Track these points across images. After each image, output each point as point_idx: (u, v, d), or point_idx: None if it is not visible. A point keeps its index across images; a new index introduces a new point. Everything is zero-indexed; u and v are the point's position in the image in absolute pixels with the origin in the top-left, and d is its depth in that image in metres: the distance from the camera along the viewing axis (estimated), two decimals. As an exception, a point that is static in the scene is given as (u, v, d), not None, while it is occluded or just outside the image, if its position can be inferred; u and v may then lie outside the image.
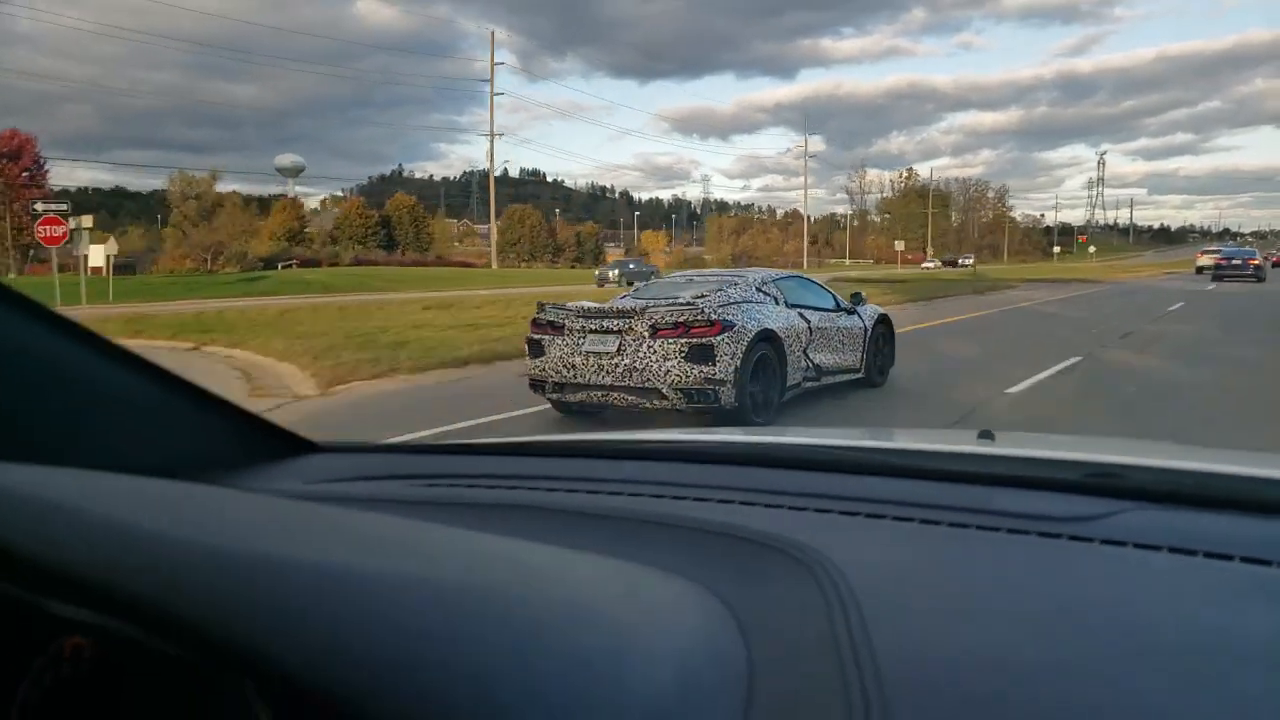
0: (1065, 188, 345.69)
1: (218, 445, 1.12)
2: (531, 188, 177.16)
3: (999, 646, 0.65)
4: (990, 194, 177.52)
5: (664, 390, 6.54)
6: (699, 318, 6.56)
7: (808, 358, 7.57)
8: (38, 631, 0.55)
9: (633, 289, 8.53)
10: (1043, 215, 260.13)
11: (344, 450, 1.33)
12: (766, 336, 6.92)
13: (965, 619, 0.71)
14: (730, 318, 6.70)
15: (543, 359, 7.01)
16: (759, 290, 7.57)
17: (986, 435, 1.40)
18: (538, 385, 7.16)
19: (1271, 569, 0.78)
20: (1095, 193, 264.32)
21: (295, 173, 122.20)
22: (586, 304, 7.36)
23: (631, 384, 6.63)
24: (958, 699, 0.58)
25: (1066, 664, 0.62)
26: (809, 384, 7.62)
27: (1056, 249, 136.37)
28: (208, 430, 1.11)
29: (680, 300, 7.09)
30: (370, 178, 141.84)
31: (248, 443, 1.17)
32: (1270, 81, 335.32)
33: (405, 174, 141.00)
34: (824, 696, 0.57)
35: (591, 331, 6.80)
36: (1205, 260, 44.58)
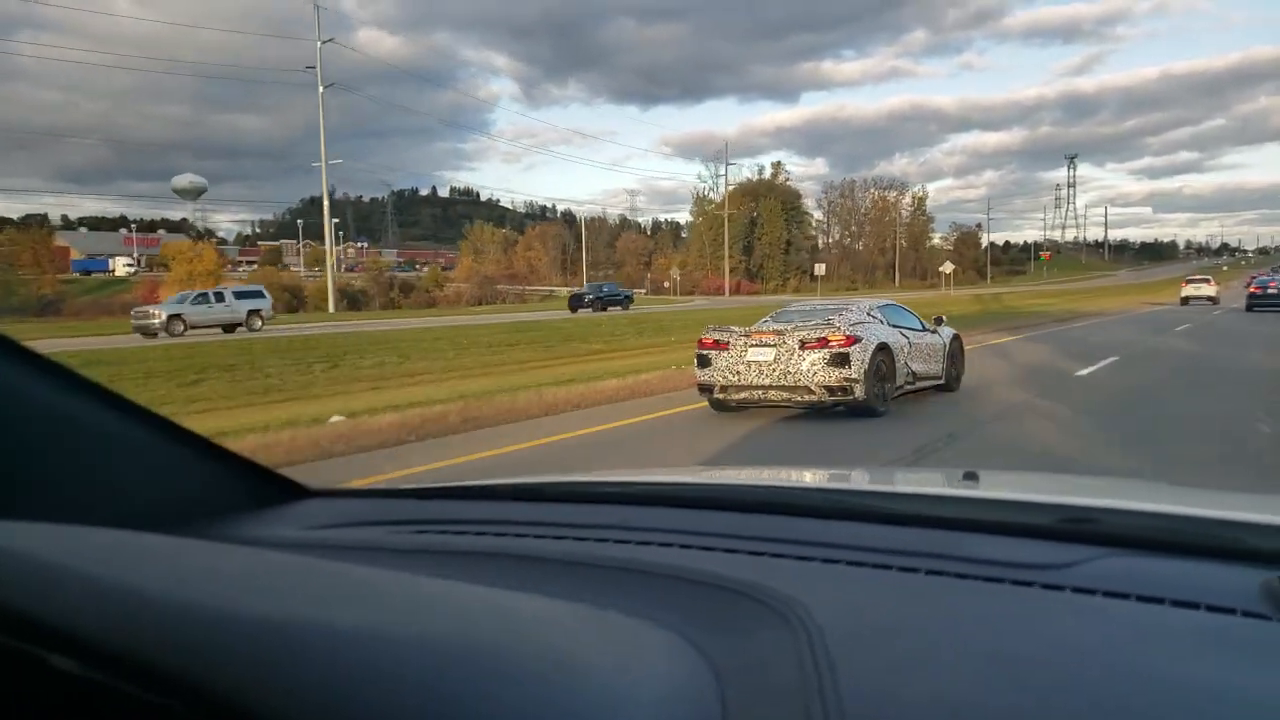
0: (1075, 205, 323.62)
1: (214, 492, 1.13)
2: (463, 207, 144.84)
3: (966, 693, 0.67)
4: (900, 199, 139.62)
5: (811, 387, 8.82)
6: (836, 333, 8.91)
7: (908, 366, 9.80)
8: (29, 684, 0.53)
9: (770, 316, 10.45)
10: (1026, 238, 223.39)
11: (337, 495, 1.37)
12: (883, 348, 9.20)
13: (936, 666, 0.72)
14: (858, 333, 9.05)
15: (710, 368, 9.28)
16: (868, 314, 9.88)
17: (971, 476, 1.48)
18: (706, 389, 9.44)
19: (1235, 617, 0.79)
20: (1065, 205, 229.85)
21: (195, 194, 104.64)
22: (740, 327, 9.60)
23: (785, 384, 8.92)
24: None
25: (1028, 711, 0.64)
26: (909, 387, 9.88)
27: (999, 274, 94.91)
28: (204, 477, 1.12)
29: (816, 322, 9.40)
30: (301, 200, 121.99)
31: (243, 489, 1.19)
32: (1275, 98, 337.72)
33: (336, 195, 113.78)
34: None
35: (753, 346, 9.10)
36: (1192, 290, 40.26)
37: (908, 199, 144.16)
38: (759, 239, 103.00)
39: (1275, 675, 0.71)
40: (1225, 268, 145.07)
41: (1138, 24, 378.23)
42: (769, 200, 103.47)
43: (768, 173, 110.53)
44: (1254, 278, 39.33)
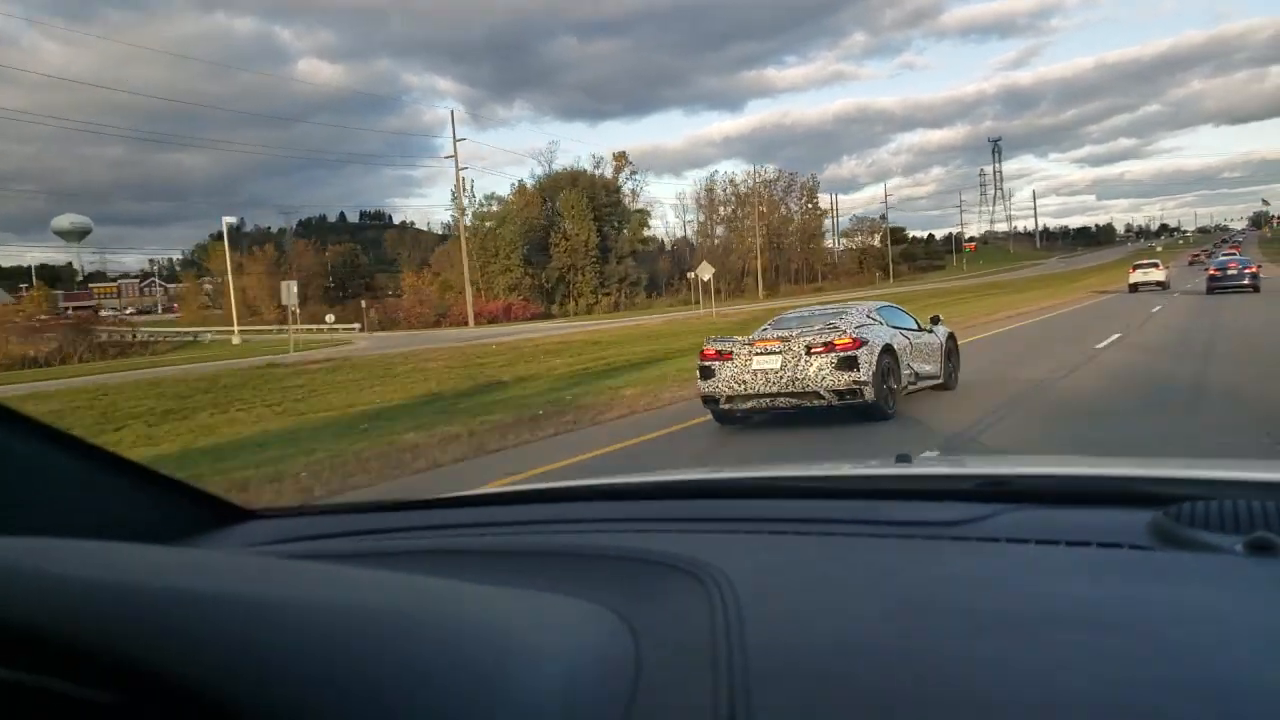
0: (1018, 198, 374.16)
1: (153, 517, 1.13)
2: (373, 232, 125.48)
3: (868, 634, 0.72)
4: (778, 192, 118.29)
5: (821, 392, 8.68)
6: (842, 337, 8.77)
7: (910, 367, 9.68)
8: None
9: (769, 322, 10.33)
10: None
11: (278, 515, 1.39)
12: (888, 350, 9.10)
13: (841, 614, 0.77)
14: (864, 335, 8.94)
15: (714, 379, 9.05)
16: (868, 317, 9.76)
17: (904, 458, 1.51)
18: (710, 400, 9.20)
19: (1122, 550, 0.88)
20: (994, 193, 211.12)
21: (79, 236, 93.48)
22: (742, 337, 9.49)
23: (793, 390, 8.76)
24: (815, 679, 0.64)
25: (926, 641, 0.69)
26: (911, 387, 9.72)
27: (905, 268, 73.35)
28: (142, 502, 1.12)
29: (818, 327, 9.26)
30: (210, 235, 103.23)
31: (183, 513, 1.19)
32: (1207, 82, 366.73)
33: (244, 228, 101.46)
34: (698, 686, 0.63)
35: (758, 354, 8.92)
36: (1140, 275, 38.85)
37: (796, 191, 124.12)
38: (556, 245, 79.32)
39: (1154, 592, 0.77)
40: (1160, 248, 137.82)
41: (1071, 15, 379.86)
42: (571, 194, 79.86)
43: (606, 168, 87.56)
44: (1195, 256, 43.27)
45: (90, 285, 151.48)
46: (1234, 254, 43.12)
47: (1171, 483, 1.10)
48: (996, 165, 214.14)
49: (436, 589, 0.73)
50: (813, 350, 8.75)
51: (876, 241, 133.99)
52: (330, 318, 59.37)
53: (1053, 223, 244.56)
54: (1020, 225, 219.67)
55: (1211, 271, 32.97)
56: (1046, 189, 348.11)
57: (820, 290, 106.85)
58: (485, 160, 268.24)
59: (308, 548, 1.18)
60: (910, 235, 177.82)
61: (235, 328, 57.35)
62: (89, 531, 0.93)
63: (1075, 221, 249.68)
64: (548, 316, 69.85)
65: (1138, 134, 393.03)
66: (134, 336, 56.44)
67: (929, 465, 1.54)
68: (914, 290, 59.69)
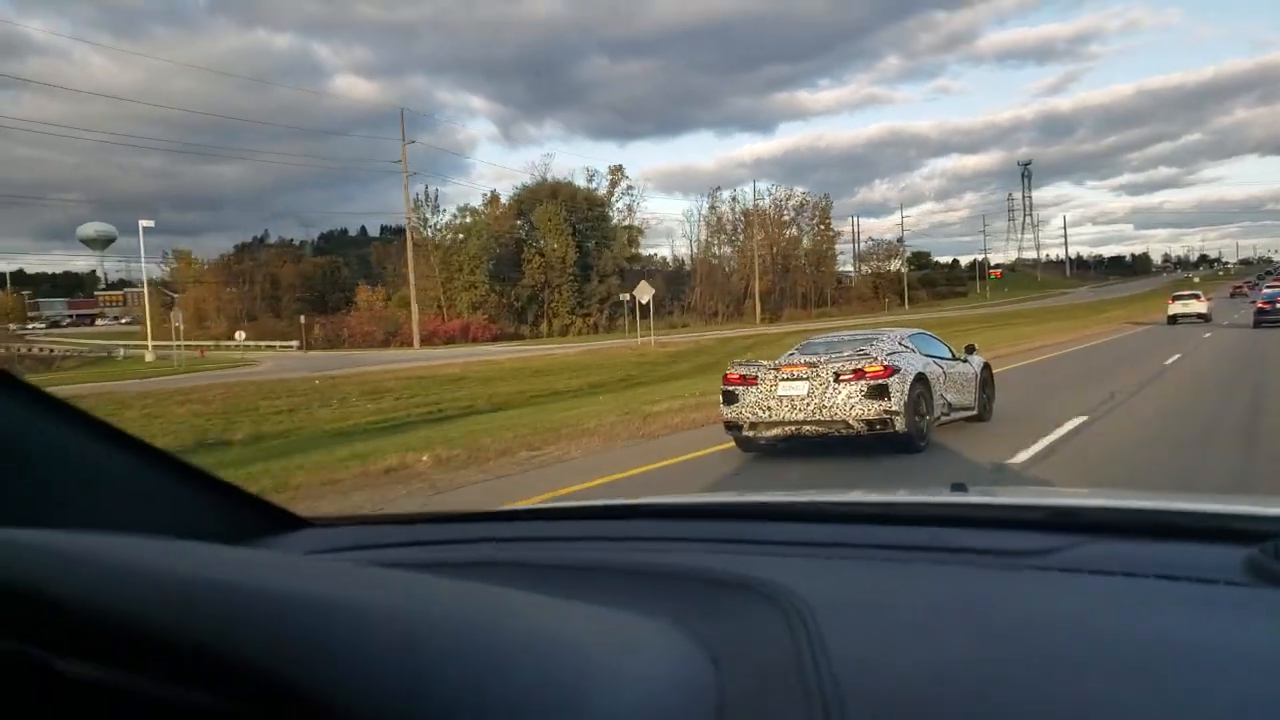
0: (1053, 226, 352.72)
1: (212, 522, 1.12)
2: (396, 248, 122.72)
3: (955, 660, 0.70)
4: (789, 212, 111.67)
5: (850, 421, 8.19)
6: (873, 364, 8.28)
7: (944, 397, 9.17)
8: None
9: (796, 347, 10.03)
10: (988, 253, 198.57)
11: (335, 523, 1.37)
12: (920, 378, 8.61)
13: (924, 638, 0.75)
14: (896, 363, 8.46)
15: (737, 405, 8.61)
16: (900, 344, 9.34)
17: (959, 488, 1.47)
18: (733, 427, 8.75)
19: (1217, 586, 0.84)
20: (1022, 218, 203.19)
21: (104, 244, 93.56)
22: (769, 361, 9.05)
23: (821, 419, 8.28)
24: (906, 709, 0.63)
25: (1018, 673, 0.68)
26: (944, 418, 9.20)
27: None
28: (201, 508, 1.11)
29: (848, 353, 8.83)
30: (235, 245, 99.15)
31: (241, 519, 1.19)
32: (1251, 111, 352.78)
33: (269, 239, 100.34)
34: (787, 708, 0.62)
35: (784, 380, 8.44)
36: (1180, 307, 37.51)
37: (808, 211, 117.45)
38: (529, 262, 73.16)
39: (1261, 630, 0.74)
40: (1197, 279, 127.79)
41: (1110, 42, 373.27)
42: (549, 207, 73.76)
43: (602, 182, 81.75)
44: (1237, 287, 46.71)
45: (96, 293, 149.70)
46: (1279, 287, 41.05)
47: (1259, 519, 1.04)
48: (1026, 190, 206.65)
49: (517, 601, 0.72)
50: (841, 377, 8.31)
51: (895, 266, 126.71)
52: (240, 335, 53.74)
53: (1088, 251, 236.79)
54: (1053, 253, 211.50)
55: (1260, 305, 31.20)
56: (1083, 217, 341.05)
57: (826, 316, 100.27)
58: (515, 179, 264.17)
59: (366, 556, 1.16)
60: (935, 261, 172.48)
61: (149, 343, 52.44)
62: (149, 532, 0.90)
63: (1111, 251, 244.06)
64: (515, 338, 63.79)
65: (1179, 163, 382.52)
66: (52, 351, 52.72)
67: (988, 494, 1.50)
68: (921, 319, 53.51)
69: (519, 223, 74.93)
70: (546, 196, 74.89)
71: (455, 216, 71.36)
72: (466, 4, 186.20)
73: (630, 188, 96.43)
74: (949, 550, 1.02)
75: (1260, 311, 30.60)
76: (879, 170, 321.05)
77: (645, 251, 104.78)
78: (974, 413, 10.10)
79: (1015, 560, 0.96)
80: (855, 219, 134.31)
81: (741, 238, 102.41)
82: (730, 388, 8.76)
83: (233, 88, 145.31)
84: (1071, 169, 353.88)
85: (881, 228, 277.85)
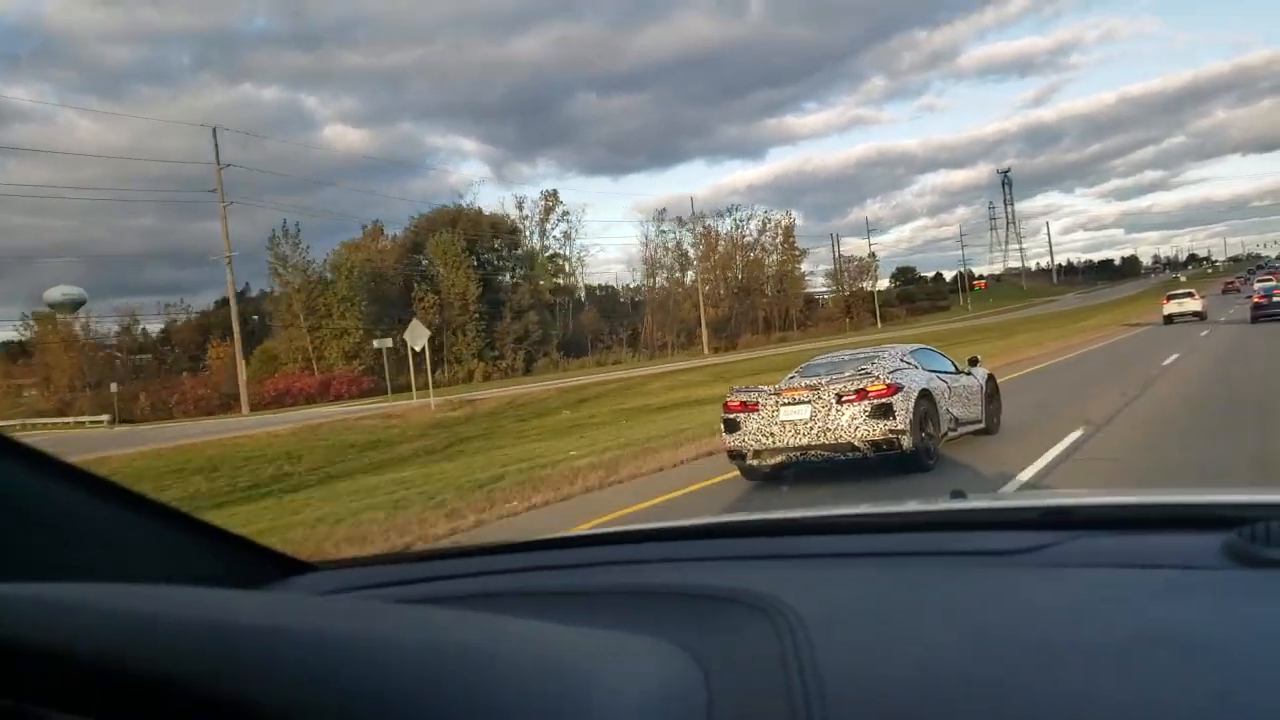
0: (1043, 235, 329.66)
1: (214, 571, 1.12)
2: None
3: (946, 659, 0.71)
4: (751, 233, 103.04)
5: (856, 443, 7.95)
6: (876, 383, 8.03)
7: (950, 412, 8.91)
8: None
9: (797, 369, 9.79)
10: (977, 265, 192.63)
11: (340, 566, 1.40)
12: (925, 395, 8.37)
13: (915, 640, 0.76)
14: (899, 380, 8.21)
15: (739, 432, 8.38)
16: (902, 360, 9.08)
17: (959, 495, 1.49)
18: (736, 455, 8.56)
19: (1198, 571, 0.87)
20: (1007, 227, 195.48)
21: (72, 307, 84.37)
22: (769, 386, 8.81)
23: (825, 442, 8.03)
24: (894, 708, 0.64)
25: (1006, 667, 0.69)
26: (951, 433, 8.93)
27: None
28: (201, 556, 1.11)
29: (849, 373, 8.54)
30: (214, 302, 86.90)
31: (244, 568, 1.18)
32: (1230, 112, 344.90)
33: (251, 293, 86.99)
34: (774, 714, 0.63)
35: (785, 405, 8.20)
36: (1175, 307, 36.86)
37: (769, 231, 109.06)
38: (420, 301, 63.47)
39: (1240, 611, 0.76)
40: (1183, 278, 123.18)
41: (1089, 51, 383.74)
42: (444, 237, 64.32)
43: (515, 202, 72.05)
44: (1229, 284, 46.39)
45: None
46: (1272, 280, 41.73)
47: (1239, 507, 1.07)
48: (1008, 198, 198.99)
49: (512, 628, 0.73)
50: (844, 399, 8.09)
51: (871, 285, 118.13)
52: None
53: (1081, 258, 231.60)
54: (1044, 262, 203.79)
55: (1257, 299, 31.30)
56: (1074, 224, 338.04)
57: (787, 340, 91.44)
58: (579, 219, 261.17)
59: (371, 596, 1.17)
60: (920, 275, 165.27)
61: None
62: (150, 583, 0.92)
63: (1105, 255, 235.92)
64: (401, 390, 54.43)
65: (1164, 166, 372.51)
66: None
67: (985, 499, 1.53)
68: (874, 338, 45.51)
69: (419, 257, 65.72)
70: (446, 225, 65.90)
71: (328, 256, 61.68)
72: (453, 48, 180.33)
73: (566, 213, 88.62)
74: (939, 554, 1.05)
75: (1257, 307, 30.24)
76: (869, 190, 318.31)
77: (595, 281, 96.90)
78: (981, 426, 9.88)
79: (1005, 559, 0.97)
80: (835, 236, 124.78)
81: (696, 262, 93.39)
82: (731, 415, 8.55)
83: (221, 143, 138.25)
84: (1059, 178, 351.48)
85: (878, 246, 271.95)
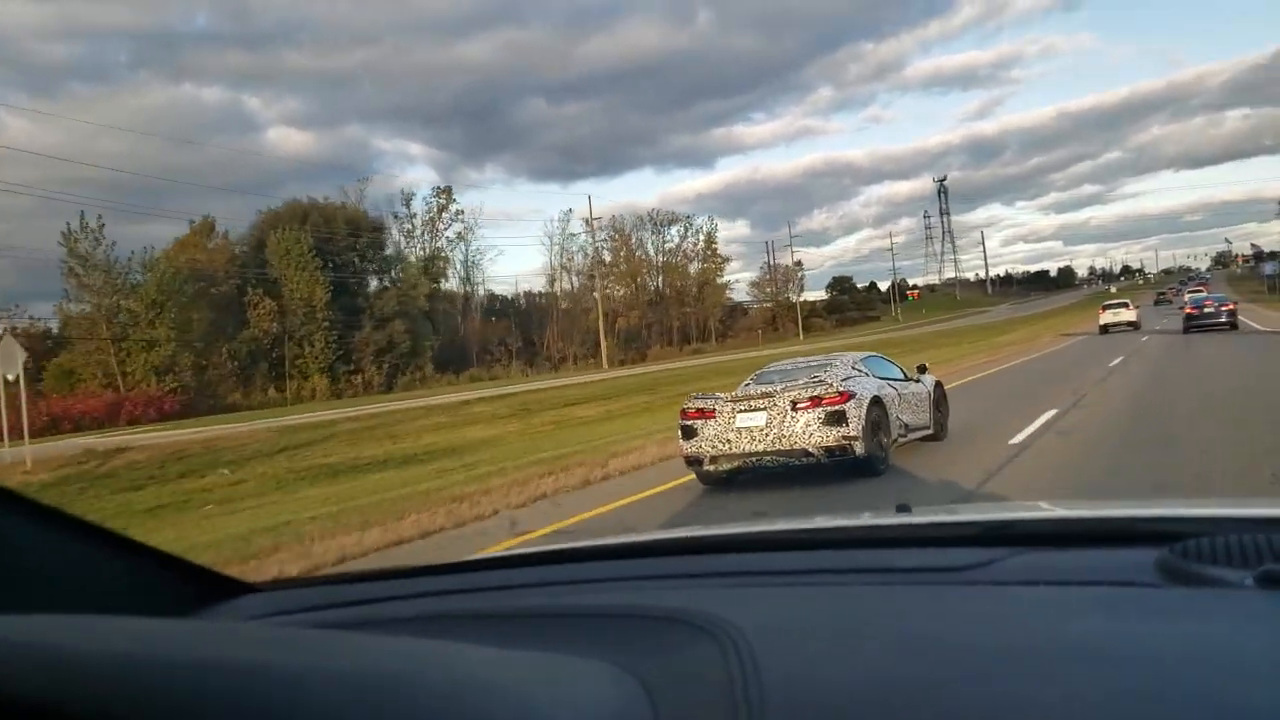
0: (987, 246, 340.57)
1: (147, 592, 1.09)
2: None
3: (882, 678, 0.73)
4: (672, 238, 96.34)
5: (810, 449, 8.08)
6: (829, 391, 8.20)
7: (900, 418, 9.06)
8: None
9: (751, 377, 9.86)
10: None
11: (278, 587, 1.38)
12: (876, 401, 8.51)
13: (857, 655, 0.78)
14: (851, 388, 8.34)
15: (697, 439, 8.45)
16: (853, 368, 9.23)
17: (904, 509, 1.51)
18: (693, 461, 8.60)
19: (1132, 589, 0.89)
20: (942, 238, 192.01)
21: None
22: (725, 394, 8.80)
23: (780, 448, 8.15)
24: (831, 715, 0.66)
25: (942, 682, 0.71)
26: (901, 439, 9.12)
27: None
28: (133, 578, 1.08)
29: (803, 380, 8.73)
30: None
31: (179, 588, 1.16)
32: (1165, 128, 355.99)
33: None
34: None
35: (741, 411, 8.30)
36: (1111, 316, 37.57)
37: (690, 238, 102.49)
38: (254, 306, 55.09)
39: (1167, 628, 0.78)
40: (1113, 289, 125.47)
41: (1030, 66, 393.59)
42: (286, 236, 56.07)
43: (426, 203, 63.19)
44: (1161, 294, 49.96)
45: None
46: (1203, 291, 43.03)
47: (1175, 521, 1.10)
48: (943, 208, 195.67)
49: (446, 653, 0.73)
50: (798, 406, 8.20)
51: (796, 295, 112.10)
52: None
53: (1021, 269, 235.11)
54: (984, 272, 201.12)
55: (1188, 310, 32.34)
56: (1014, 236, 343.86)
57: (701, 353, 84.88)
58: (458, 224, 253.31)
59: (308, 619, 1.16)
60: (853, 285, 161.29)
61: None
62: (83, 609, 0.88)
63: (1044, 267, 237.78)
64: (224, 410, 46.09)
65: (1101, 180, 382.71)
66: None
67: (930, 514, 1.56)
68: (795, 350, 39.52)
69: (264, 257, 57.24)
70: (293, 221, 57.45)
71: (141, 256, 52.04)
72: (398, 51, 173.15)
73: (460, 212, 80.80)
74: (883, 571, 1.06)
75: (1189, 318, 30.96)
76: (816, 200, 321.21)
77: (500, 290, 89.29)
78: (930, 432, 10.06)
79: (948, 576, 0.99)
80: (769, 244, 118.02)
81: (592, 266, 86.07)
82: (688, 422, 8.65)
83: (161, 146, 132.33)
84: (1001, 191, 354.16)
85: (826, 256, 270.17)
